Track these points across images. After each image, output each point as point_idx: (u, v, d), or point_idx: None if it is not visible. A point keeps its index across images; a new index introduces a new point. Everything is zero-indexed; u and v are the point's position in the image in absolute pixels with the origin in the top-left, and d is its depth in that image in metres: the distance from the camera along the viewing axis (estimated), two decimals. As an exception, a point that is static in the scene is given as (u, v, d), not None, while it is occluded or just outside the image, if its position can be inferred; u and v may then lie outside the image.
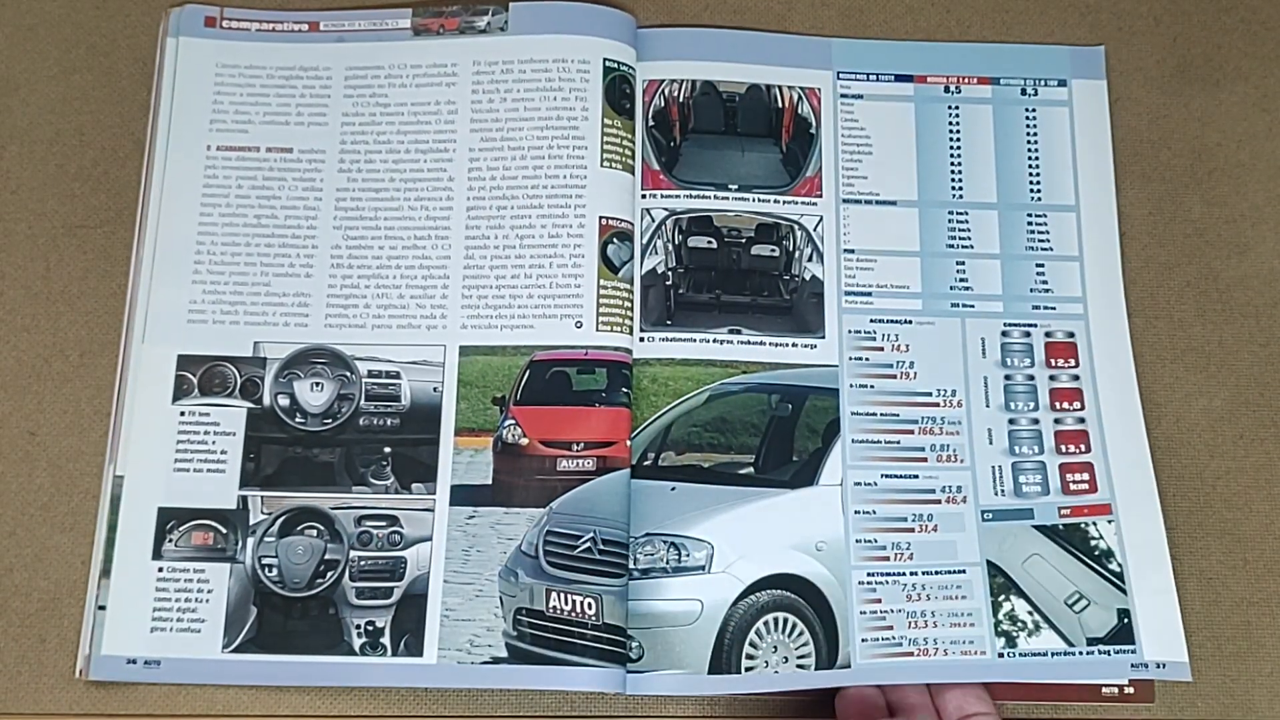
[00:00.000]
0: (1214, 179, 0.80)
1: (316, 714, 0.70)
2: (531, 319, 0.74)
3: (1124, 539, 0.73)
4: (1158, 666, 0.70)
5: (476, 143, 0.78)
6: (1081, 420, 0.76)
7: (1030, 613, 0.71)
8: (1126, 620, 0.71)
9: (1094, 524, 0.73)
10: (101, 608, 0.70)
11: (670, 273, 0.77)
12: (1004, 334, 0.77)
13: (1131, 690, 0.71)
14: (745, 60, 0.82)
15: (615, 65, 0.79)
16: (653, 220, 0.78)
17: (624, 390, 0.73)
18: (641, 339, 0.75)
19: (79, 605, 0.71)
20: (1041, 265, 0.79)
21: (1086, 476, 0.74)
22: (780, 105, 0.81)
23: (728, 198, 0.79)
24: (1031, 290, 0.78)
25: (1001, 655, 0.71)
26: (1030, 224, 0.79)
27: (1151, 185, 0.80)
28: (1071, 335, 0.77)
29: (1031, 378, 0.76)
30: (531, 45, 0.79)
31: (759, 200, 0.79)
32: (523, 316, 0.75)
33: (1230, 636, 0.72)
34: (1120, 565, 0.72)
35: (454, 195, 0.77)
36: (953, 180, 0.80)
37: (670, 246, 0.77)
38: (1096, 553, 0.73)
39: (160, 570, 0.71)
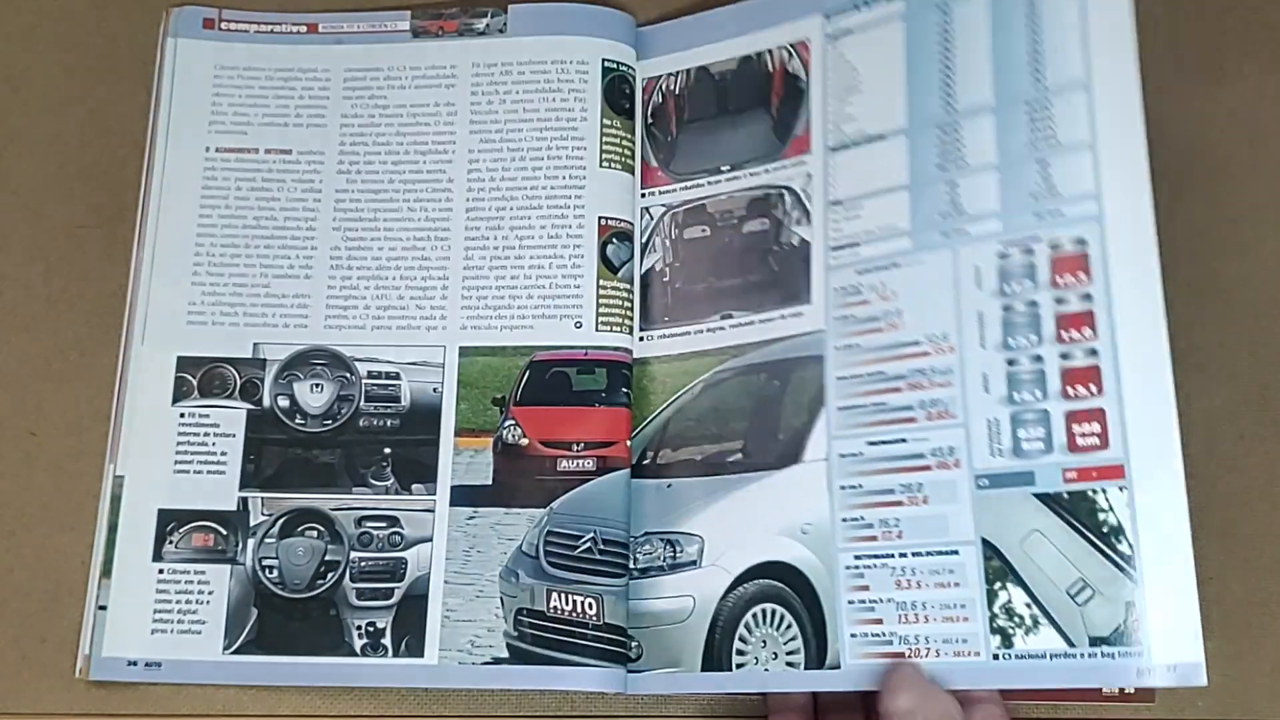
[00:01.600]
0: (1214, 179, 0.80)
1: (317, 714, 0.70)
2: (531, 320, 0.75)
3: (1137, 512, 0.63)
4: (1168, 670, 0.62)
5: (475, 144, 0.78)
6: (1093, 353, 0.65)
7: (1029, 605, 0.65)
8: (1134, 615, 0.63)
9: (1103, 491, 0.64)
10: (102, 608, 0.70)
11: (667, 269, 0.77)
12: (1001, 256, 0.68)
13: (1132, 690, 0.70)
14: (736, 34, 0.80)
15: (614, 66, 0.79)
16: (651, 218, 0.78)
17: (624, 390, 0.73)
18: (641, 338, 0.75)
19: (79, 605, 0.71)
20: (1045, 162, 0.68)
21: (1097, 428, 0.65)
22: (770, 70, 0.79)
23: (720, 180, 0.77)
24: (1033, 195, 0.68)
25: (997, 656, 0.65)
26: (1032, 115, 0.69)
27: (1151, 185, 0.79)
28: (1082, 243, 0.67)
29: (1034, 304, 0.67)
30: (530, 46, 0.79)
31: (750, 175, 0.77)
32: (523, 317, 0.75)
33: (1230, 636, 0.72)
34: (1131, 546, 0.63)
35: (454, 197, 0.77)
36: (945, 90, 0.73)
37: (667, 243, 0.77)
38: (1104, 529, 0.64)
39: (161, 572, 0.71)
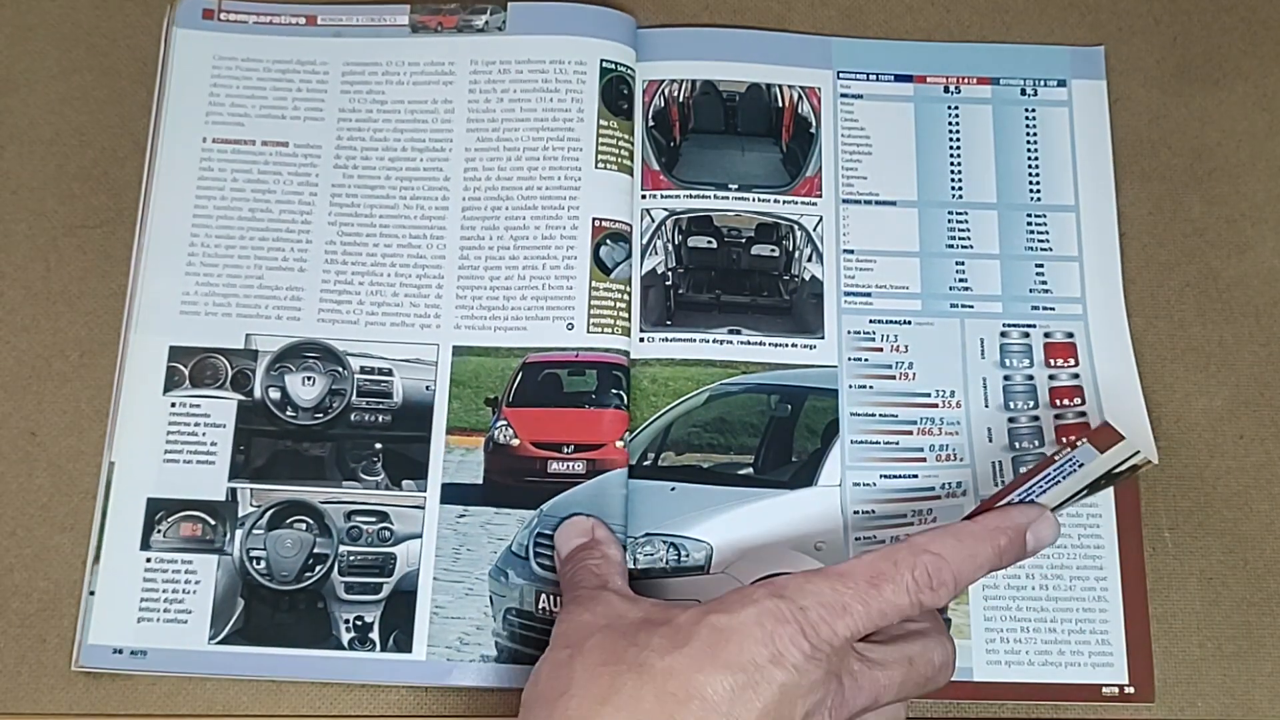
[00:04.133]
0: (1214, 179, 0.79)
1: (304, 708, 0.70)
2: (524, 320, 0.74)
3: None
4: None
5: (472, 142, 0.78)
6: (1082, 415, 0.74)
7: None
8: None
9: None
10: (93, 593, 0.70)
11: (670, 273, 0.77)
12: (1003, 334, 0.76)
13: (1132, 690, 0.70)
14: (745, 60, 0.81)
15: (613, 66, 0.79)
16: (653, 220, 0.78)
17: (614, 392, 0.73)
18: (641, 339, 0.75)
19: (78, 604, 0.71)
20: (1041, 266, 0.78)
21: None
22: (780, 105, 0.81)
23: (728, 197, 0.78)
24: (1031, 291, 0.77)
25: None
26: (1030, 224, 0.79)
27: (1151, 185, 0.79)
28: (1070, 336, 0.76)
29: (1030, 378, 0.75)
30: (529, 45, 0.79)
31: (759, 200, 0.78)
32: (516, 318, 0.75)
33: (1230, 636, 0.71)
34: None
35: (449, 194, 0.77)
36: (952, 180, 0.80)
37: (670, 247, 0.77)
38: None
39: (148, 560, 0.70)
